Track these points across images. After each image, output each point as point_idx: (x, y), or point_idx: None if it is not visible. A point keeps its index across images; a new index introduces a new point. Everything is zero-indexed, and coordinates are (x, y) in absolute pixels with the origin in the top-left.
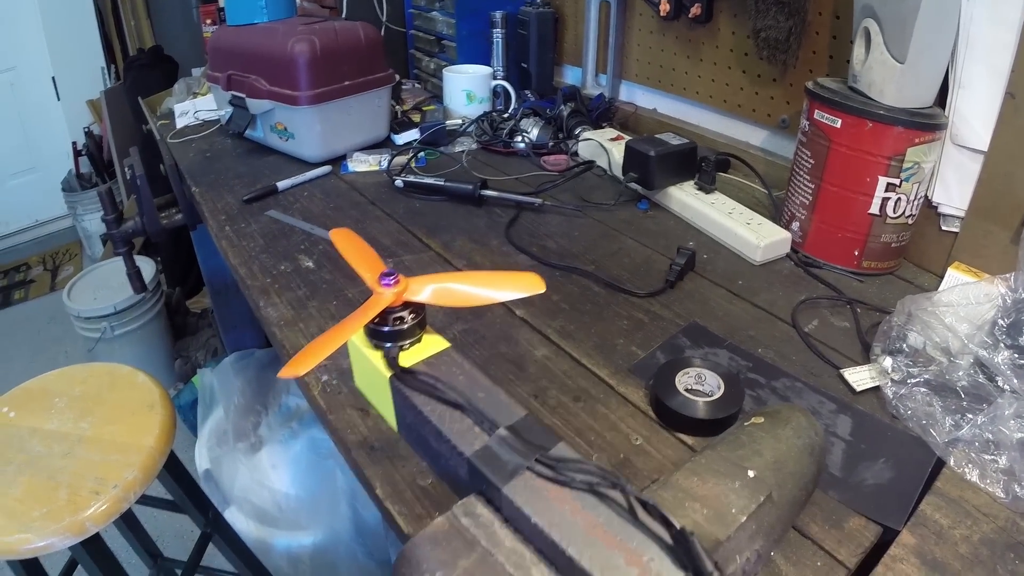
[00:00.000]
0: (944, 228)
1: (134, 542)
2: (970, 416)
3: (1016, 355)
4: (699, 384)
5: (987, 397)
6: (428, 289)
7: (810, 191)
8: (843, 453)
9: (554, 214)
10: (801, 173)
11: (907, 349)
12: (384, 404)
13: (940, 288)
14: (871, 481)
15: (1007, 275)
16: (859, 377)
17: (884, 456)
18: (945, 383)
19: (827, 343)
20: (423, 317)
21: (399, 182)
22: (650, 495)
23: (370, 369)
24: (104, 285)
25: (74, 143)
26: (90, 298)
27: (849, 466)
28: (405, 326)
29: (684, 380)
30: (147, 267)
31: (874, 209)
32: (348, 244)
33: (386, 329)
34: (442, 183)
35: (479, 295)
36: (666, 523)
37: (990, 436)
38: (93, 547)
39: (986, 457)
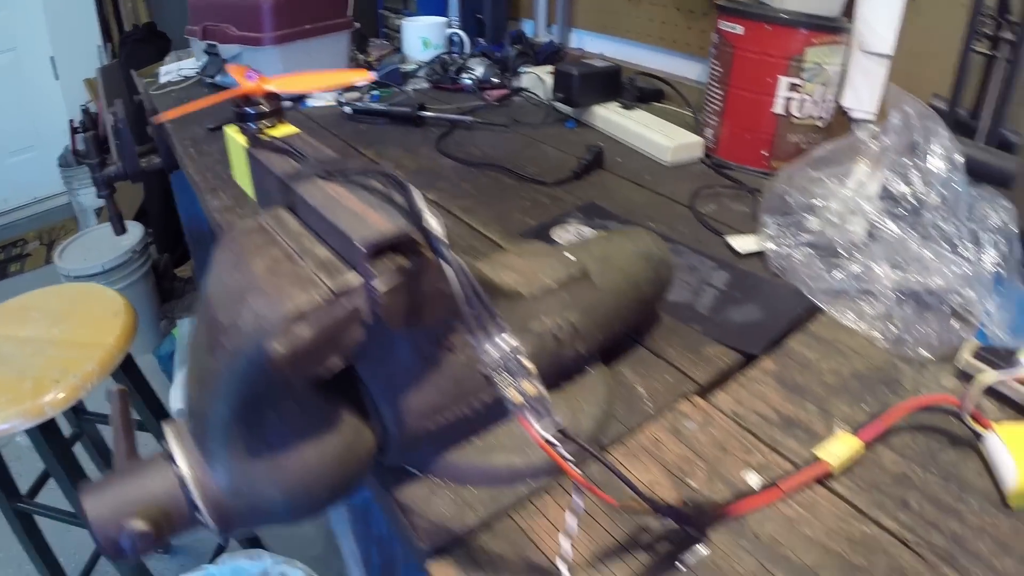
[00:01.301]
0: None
1: (90, 447)
2: (848, 268)
3: (889, 205)
4: (576, 237)
5: (864, 249)
6: (278, 82)
7: (720, 98)
8: (715, 298)
9: (485, 131)
10: (713, 84)
11: (789, 212)
12: (249, 182)
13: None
14: (738, 319)
15: (872, 127)
16: (744, 243)
17: (756, 302)
18: (825, 241)
19: (721, 220)
20: (279, 107)
21: (348, 108)
22: (479, 274)
23: (237, 151)
24: (95, 247)
25: (71, 121)
26: (80, 259)
27: (719, 308)
28: (263, 109)
29: (560, 234)
30: (136, 230)
31: (778, 109)
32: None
33: (249, 111)
34: (385, 108)
35: (316, 83)
36: (408, 197)
37: (867, 284)
38: (49, 432)
39: (862, 303)
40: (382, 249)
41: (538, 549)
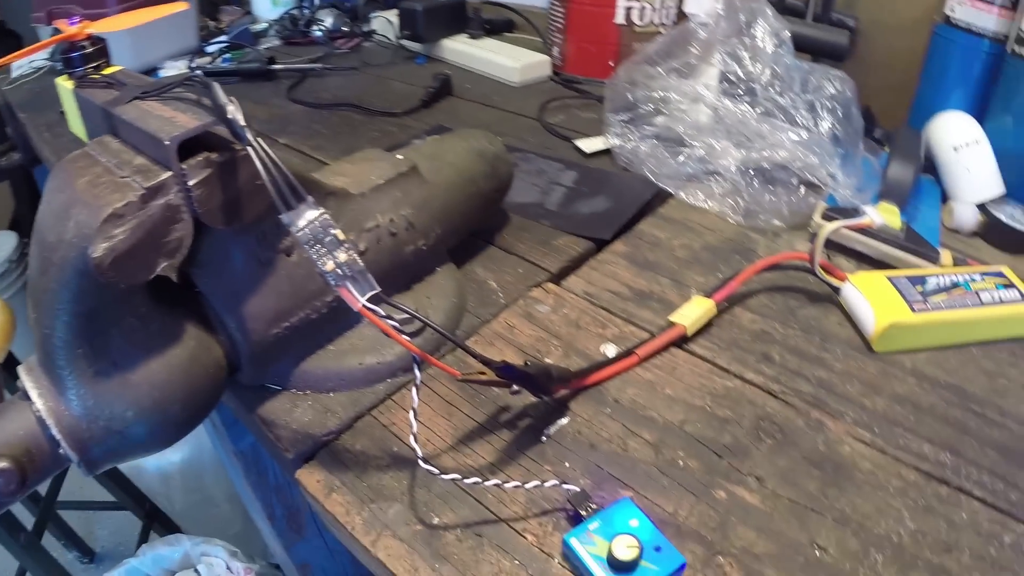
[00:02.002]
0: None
1: None
2: (693, 152)
3: (727, 88)
4: None
5: (707, 132)
6: (100, 24)
7: (562, 15)
8: (563, 195)
9: (335, 76)
10: (555, 2)
11: (632, 108)
12: (82, 126)
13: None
14: (587, 211)
15: (700, 15)
16: (591, 144)
17: (605, 194)
18: (669, 130)
19: (569, 128)
20: (103, 48)
21: (199, 72)
22: (302, 176)
23: (68, 98)
24: None
25: None
26: None
27: (567, 203)
28: (87, 51)
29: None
30: (9, 240)
31: (619, 19)
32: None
33: (74, 56)
34: (236, 66)
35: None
36: (210, 93)
37: (712, 165)
38: None
39: (712, 185)
40: (192, 146)
41: (400, 440)
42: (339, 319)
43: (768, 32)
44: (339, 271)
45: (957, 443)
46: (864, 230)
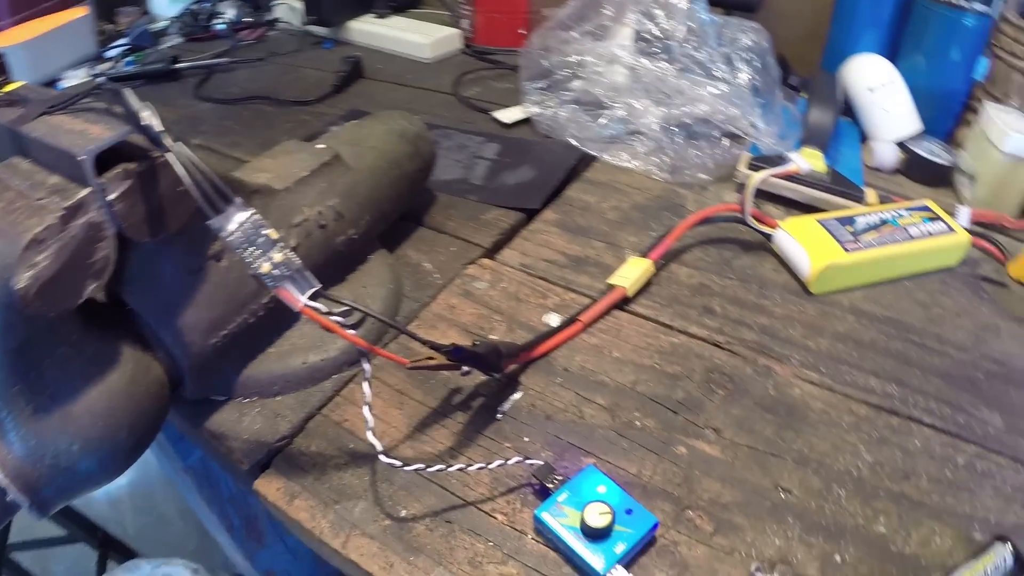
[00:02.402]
0: None
1: None
2: (614, 113)
3: (643, 47)
4: None
5: (626, 92)
6: None
7: None
8: (487, 169)
9: (243, 69)
10: None
11: (549, 75)
12: None
13: None
14: (513, 182)
15: None
16: (509, 114)
17: (529, 163)
18: (587, 93)
19: (486, 100)
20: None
21: (102, 79)
22: (225, 177)
23: None
24: None
25: None
26: None
27: (491, 176)
28: None
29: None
30: None
31: None
32: None
33: None
34: (139, 69)
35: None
36: (122, 101)
37: (634, 125)
38: None
39: (635, 144)
40: (108, 158)
41: (354, 436)
42: (278, 320)
43: None
44: (276, 272)
45: (902, 374)
46: (791, 176)
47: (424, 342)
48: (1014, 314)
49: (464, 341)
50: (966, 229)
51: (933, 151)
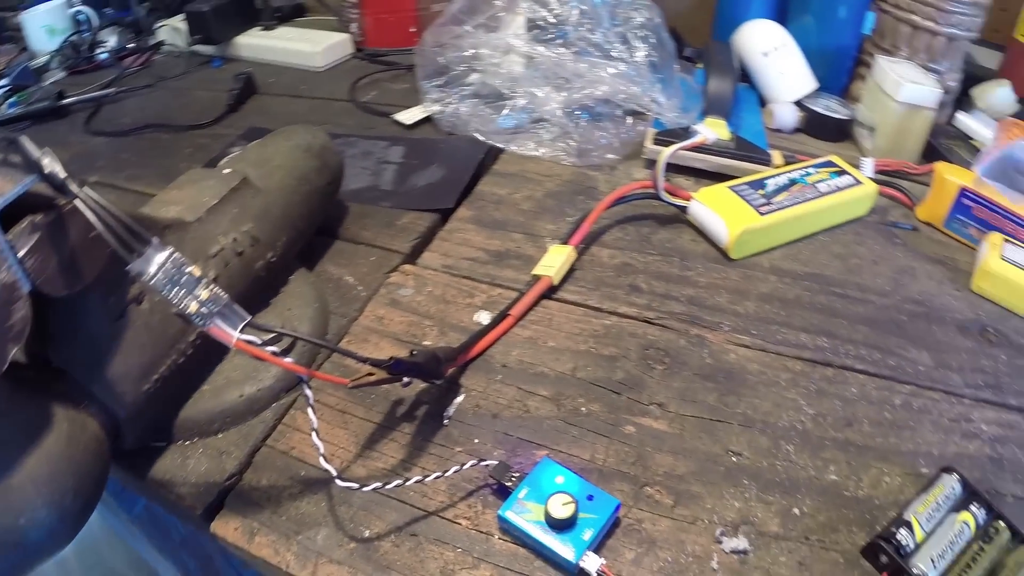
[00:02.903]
0: None
1: None
2: (515, 103)
3: (538, 35)
4: None
5: (525, 81)
6: None
7: None
8: (395, 173)
9: (132, 98)
10: None
11: (446, 71)
12: None
13: None
14: (423, 183)
15: None
16: (410, 115)
17: (437, 163)
18: (486, 86)
19: (384, 103)
20: None
21: None
22: (135, 216)
23: None
24: None
25: None
26: None
27: (400, 180)
28: None
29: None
30: None
31: None
32: None
33: None
34: (23, 110)
35: None
36: (19, 149)
37: (537, 113)
38: None
39: (540, 132)
40: (12, 212)
41: (304, 463)
42: (208, 355)
43: None
44: (204, 310)
45: (830, 326)
46: (698, 147)
47: (362, 359)
48: (927, 254)
49: (399, 352)
50: (872, 179)
51: (830, 107)
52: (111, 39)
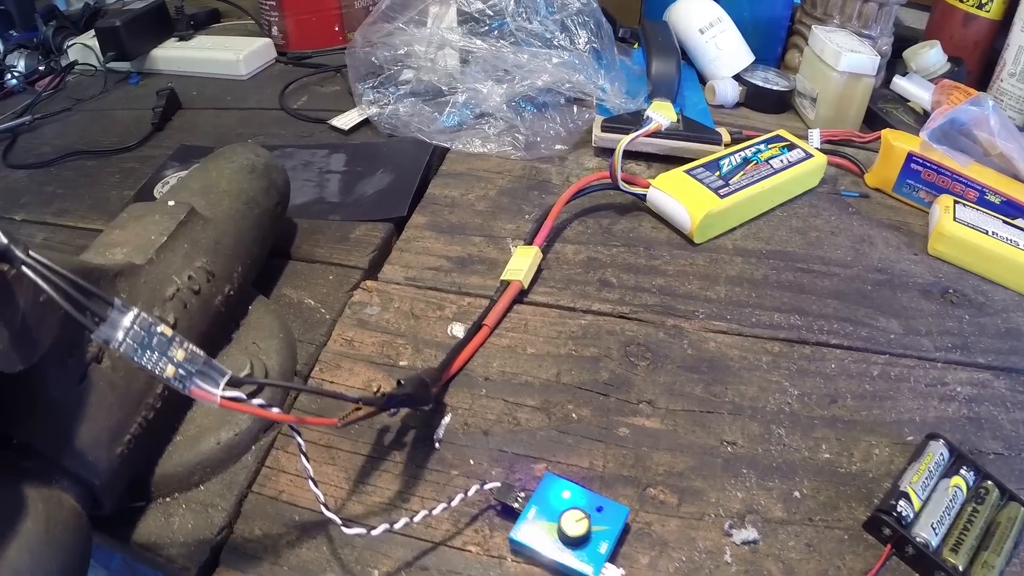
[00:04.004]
0: None
1: None
2: (456, 99)
3: (473, 27)
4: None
5: (464, 76)
6: None
7: None
8: (340, 182)
9: (49, 124)
10: None
11: (379, 72)
12: None
13: None
14: (371, 191)
15: None
16: (346, 119)
17: (382, 168)
18: (426, 86)
19: (317, 108)
20: None
21: None
22: (83, 269)
23: None
24: None
25: None
26: None
27: (347, 190)
28: None
29: (164, 189)
30: None
31: None
32: None
33: None
34: None
35: None
36: None
37: (478, 108)
38: None
39: (485, 128)
40: None
41: (296, 507)
42: (177, 406)
43: None
44: (182, 372)
45: (800, 303)
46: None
47: (355, 401)
48: (882, 221)
49: (377, 373)
50: (820, 150)
51: (769, 79)
52: (20, 62)
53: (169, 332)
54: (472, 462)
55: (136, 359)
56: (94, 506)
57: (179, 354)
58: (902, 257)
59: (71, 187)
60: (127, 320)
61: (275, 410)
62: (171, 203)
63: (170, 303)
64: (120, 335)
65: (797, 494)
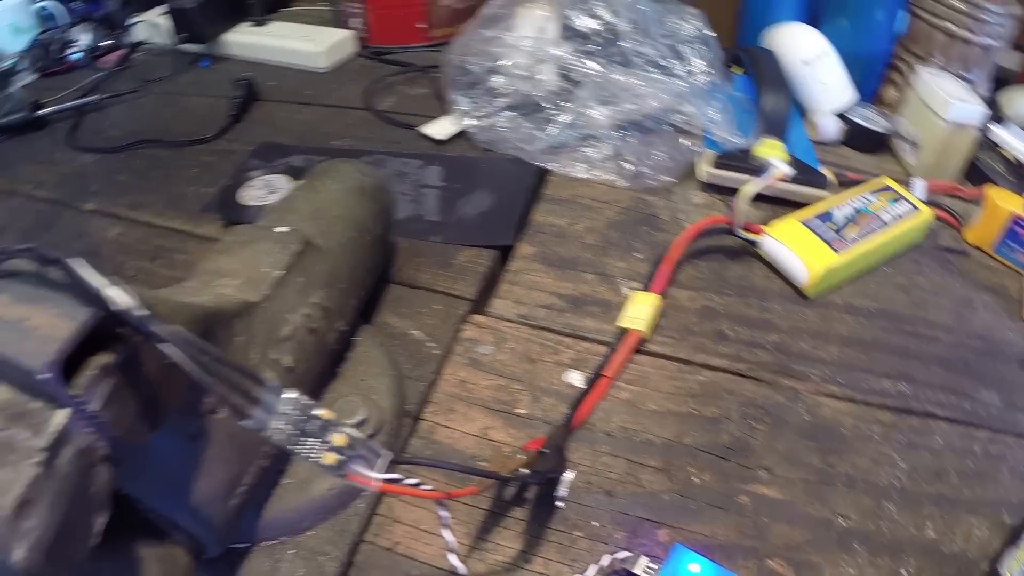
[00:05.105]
0: None
1: None
2: (558, 118)
3: (579, 43)
4: (269, 191)
5: (569, 96)
6: None
7: None
8: (438, 199)
9: (116, 105)
10: None
11: (477, 82)
12: None
13: None
14: (472, 213)
15: None
16: (440, 128)
17: (482, 186)
18: (526, 100)
19: (406, 112)
20: None
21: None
22: (175, 289)
23: None
24: None
25: None
26: None
27: (446, 208)
28: None
29: (251, 193)
30: None
31: None
32: None
33: None
34: None
35: None
36: (62, 266)
37: (583, 130)
38: None
39: (588, 151)
40: (73, 359)
41: (413, 560)
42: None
43: None
44: (342, 458)
45: (907, 368)
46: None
47: (506, 479)
48: (981, 282)
49: (493, 421)
50: (924, 202)
51: (869, 118)
52: (83, 37)
53: (327, 415)
54: (596, 524)
55: (293, 447)
56: (200, 553)
57: (338, 439)
58: (1001, 324)
59: (144, 178)
60: (285, 403)
61: (427, 488)
62: (281, 229)
63: (286, 344)
64: (276, 422)
65: (904, 572)
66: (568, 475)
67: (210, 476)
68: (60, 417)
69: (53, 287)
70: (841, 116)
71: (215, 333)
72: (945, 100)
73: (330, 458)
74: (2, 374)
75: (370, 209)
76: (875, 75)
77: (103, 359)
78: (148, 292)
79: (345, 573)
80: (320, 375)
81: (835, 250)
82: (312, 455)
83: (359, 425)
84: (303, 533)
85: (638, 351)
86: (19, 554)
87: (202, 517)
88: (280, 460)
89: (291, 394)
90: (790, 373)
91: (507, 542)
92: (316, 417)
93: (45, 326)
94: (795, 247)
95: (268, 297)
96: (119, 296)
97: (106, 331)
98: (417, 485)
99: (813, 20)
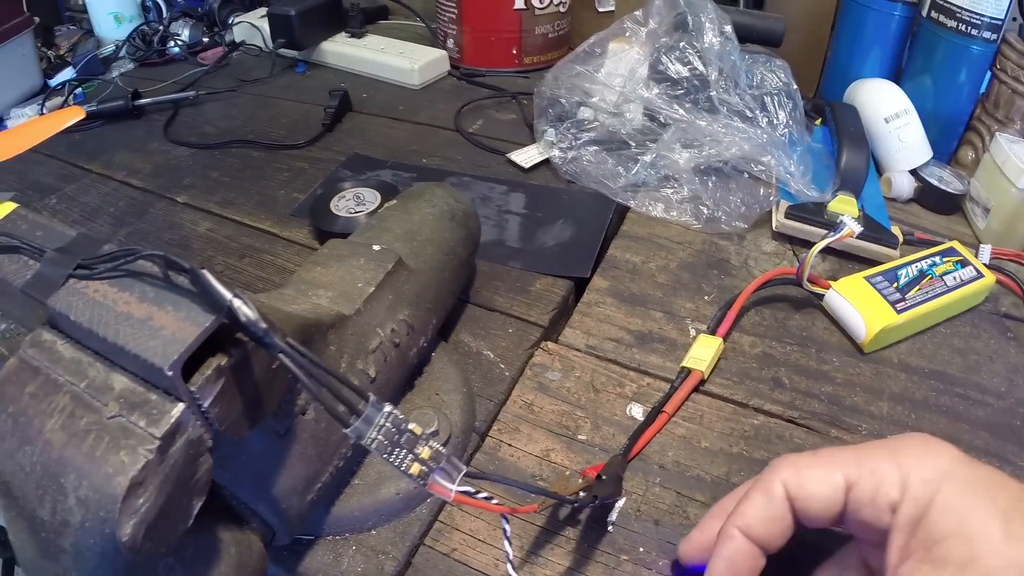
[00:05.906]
0: (601, 9)
1: None
2: (642, 157)
3: (668, 87)
4: (359, 204)
5: (653, 136)
6: None
7: (455, 4)
8: (520, 226)
9: (212, 102)
10: None
11: (565, 114)
12: None
13: None
14: (552, 243)
15: (636, 13)
16: (527, 156)
17: (563, 218)
18: (611, 136)
19: (494, 136)
20: None
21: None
22: (273, 295)
23: None
24: None
25: None
26: None
27: (527, 236)
28: None
29: (341, 204)
30: None
31: (519, 4)
32: None
33: None
34: (95, 107)
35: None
36: (191, 274)
37: (665, 171)
38: None
39: (667, 191)
40: (193, 359)
41: (469, 568)
42: (359, 451)
43: (712, 27)
44: (425, 469)
45: (954, 431)
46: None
47: (571, 502)
48: None
49: (555, 443)
50: (987, 265)
51: (943, 178)
52: (183, 31)
53: (418, 430)
54: (642, 550)
55: (385, 456)
56: (272, 541)
57: (424, 452)
58: None
59: (236, 177)
60: (381, 416)
61: (495, 503)
62: (376, 247)
63: (372, 356)
64: (373, 433)
65: None
66: (620, 501)
67: (292, 471)
68: (177, 410)
69: (175, 291)
70: (915, 174)
71: (313, 342)
72: (1020, 168)
73: (416, 468)
74: (122, 364)
75: (459, 234)
76: (954, 136)
77: (218, 360)
78: (260, 301)
79: (403, 573)
80: (398, 386)
81: (896, 310)
82: (402, 465)
83: (431, 436)
84: (367, 531)
85: (697, 390)
86: (127, 530)
87: (280, 508)
88: (353, 462)
89: (386, 408)
90: (840, 425)
91: (557, 559)
92: (409, 431)
93: (170, 326)
94: (858, 303)
95: (360, 311)
96: (244, 308)
97: (220, 335)
98: (488, 499)
99: (897, 77)
